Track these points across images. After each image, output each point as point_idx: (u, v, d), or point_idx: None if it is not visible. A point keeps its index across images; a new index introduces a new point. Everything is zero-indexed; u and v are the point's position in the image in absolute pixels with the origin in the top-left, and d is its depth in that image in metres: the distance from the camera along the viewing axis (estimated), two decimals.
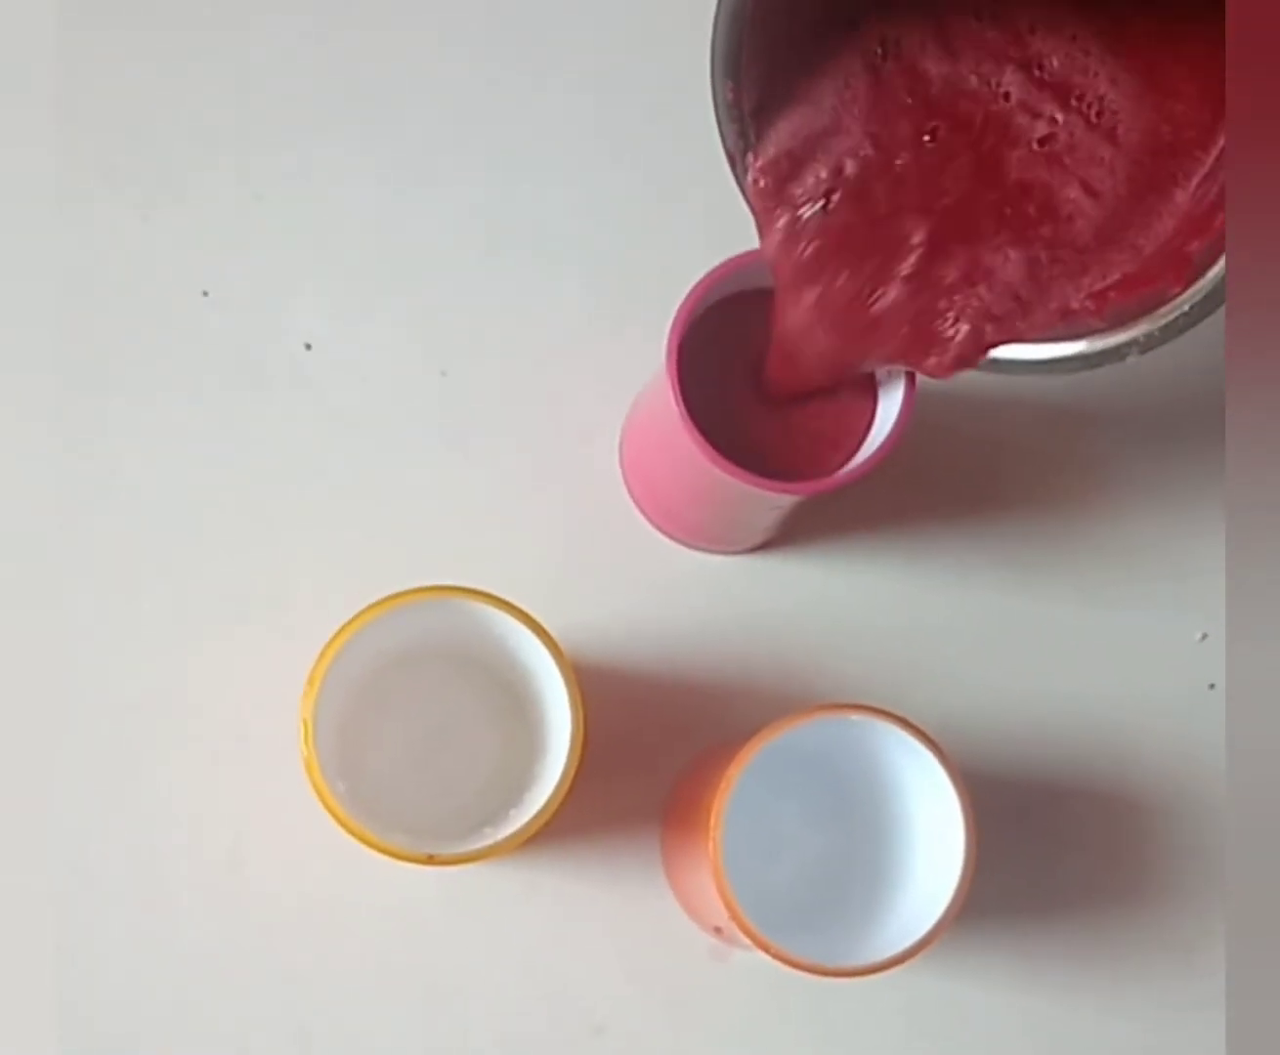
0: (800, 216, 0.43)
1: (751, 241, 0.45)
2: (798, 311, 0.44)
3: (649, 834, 0.54)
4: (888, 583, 0.55)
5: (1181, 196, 0.42)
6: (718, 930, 0.51)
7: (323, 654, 0.44)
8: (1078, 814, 0.55)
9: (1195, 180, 0.42)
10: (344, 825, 0.43)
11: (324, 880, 0.52)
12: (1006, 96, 0.43)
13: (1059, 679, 0.55)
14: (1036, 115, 0.43)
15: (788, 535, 0.55)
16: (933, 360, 0.43)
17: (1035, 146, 0.43)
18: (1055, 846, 0.54)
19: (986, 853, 0.46)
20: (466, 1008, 0.53)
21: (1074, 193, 0.43)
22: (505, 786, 0.49)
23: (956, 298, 0.43)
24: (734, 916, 0.45)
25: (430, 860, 0.43)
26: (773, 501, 0.48)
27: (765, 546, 0.55)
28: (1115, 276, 0.42)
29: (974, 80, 0.43)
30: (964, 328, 0.43)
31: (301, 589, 0.53)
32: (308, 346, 0.55)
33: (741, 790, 0.45)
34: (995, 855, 0.49)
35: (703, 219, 0.55)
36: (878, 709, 0.46)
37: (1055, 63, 0.43)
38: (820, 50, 0.43)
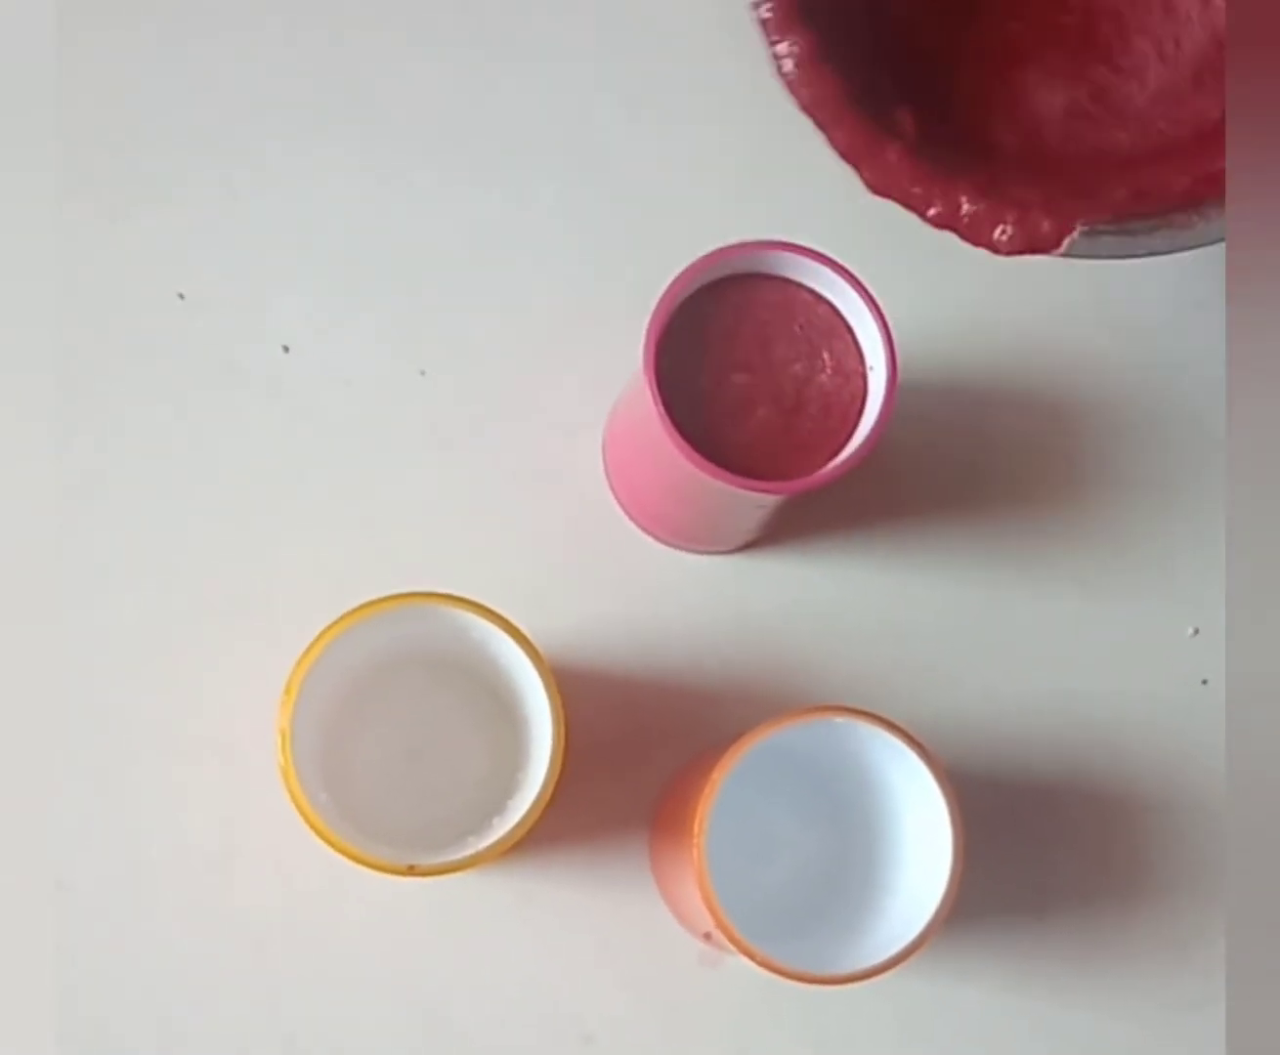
0: None
1: (726, 238, 0.45)
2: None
3: (638, 840, 0.53)
4: (875, 581, 0.55)
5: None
6: (707, 937, 0.51)
7: (299, 662, 0.44)
8: (1069, 812, 0.54)
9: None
10: (323, 837, 0.43)
11: (310, 890, 0.52)
12: None
13: (1049, 676, 0.55)
14: None
15: (773, 535, 0.54)
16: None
17: None
18: (1047, 846, 0.54)
19: (977, 854, 0.45)
20: (454, 1017, 0.52)
21: (1145, 46, 0.41)
22: (489, 794, 0.49)
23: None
24: (719, 923, 0.44)
25: (411, 871, 0.43)
26: (756, 501, 0.48)
27: (750, 546, 0.55)
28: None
29: None
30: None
31: (281, 594, 0.53)
32: (285, 349, 0.54)
33: (728, 794, 0.45)
34: (986, 856, 0.48)
35: (681, 218, 0.54)
36: (863, 711, 0.45)
37: None
38: None
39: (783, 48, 0.42)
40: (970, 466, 0.55)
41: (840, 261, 0.46)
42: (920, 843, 0.47)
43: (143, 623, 0.53)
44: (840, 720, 0.45)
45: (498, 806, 0.47)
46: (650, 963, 0.53)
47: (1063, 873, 0.54)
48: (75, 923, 0.51)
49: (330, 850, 0.42)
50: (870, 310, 0.45)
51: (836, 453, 0.46)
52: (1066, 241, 0.43)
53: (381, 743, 0.51)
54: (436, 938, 0.52)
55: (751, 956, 0.44)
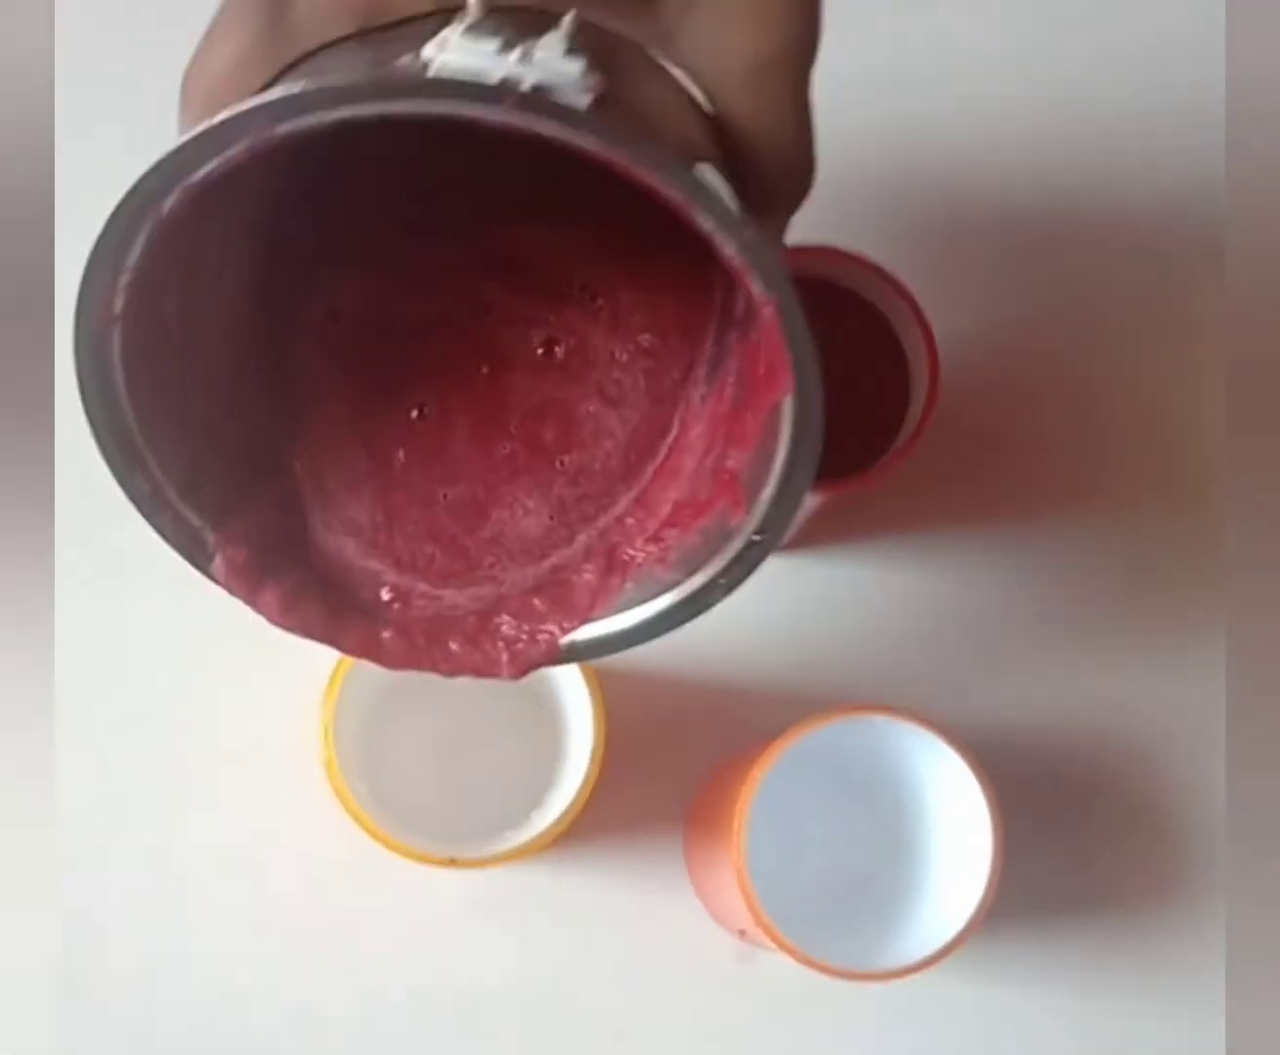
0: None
1: None
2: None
3: (672, 838, 0.54)
4: (914, 583, 0.55)
5: (698, 397, 0.34)
6: (742, 933, 0.51)
7: (342, 659, 0.44)
8: (1107, 813, 0.54)
9: (702, 384, 0.34)
10: (365, 828, 0.43)
11: (345, 885, 0.52)
12: (486, 310, 0.34)
13: (1089, 679, 0.54)
14: (529, 322, 0.34)
15: (812, 535, 0.54)
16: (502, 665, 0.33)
17: (539, 356, 0.34)
18: (1084, 846, 0.54)
19: (1014, 854, 0.45)
20: (487, 1011, 0.52)
21: (593, 405, 0.35)
22: (527, 790, 0.49)
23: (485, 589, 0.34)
24: (758, 919, 0.44)
25: (452, 863, 0.43)
26: None
27: (790, 548, 0.55)
28: (666, 510, 0.33)
29: (446, 312, 0.34)
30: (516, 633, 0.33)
31: None
32: None
33: (766, 791, 0.45)
34: (1023, 856, 0.48)
35: None
36: (902, 710, 0.45)
37: (533, 258, 0.34)
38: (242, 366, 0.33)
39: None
40: (1012, 470, 0.55)
41: (881, 265, 0.46)
42: (957, 842, 0.47)
43: (183, 621, 0.53)
44: (880, 719, 0.45)
45: (536, 801, 0.48)
46: (683, 959, 0.53)
47: (1101, 873, 0.54)
48: (110, 919, 0.52)
49: (373, 842, 0.43)
50: (912, 314, 0.46)
51: (879, 455, 0.46)
52: None
53: (418, 738, 0.51)
54: (470, 932, 0.52)
55: (790, 952, 0.44)
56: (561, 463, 0.35)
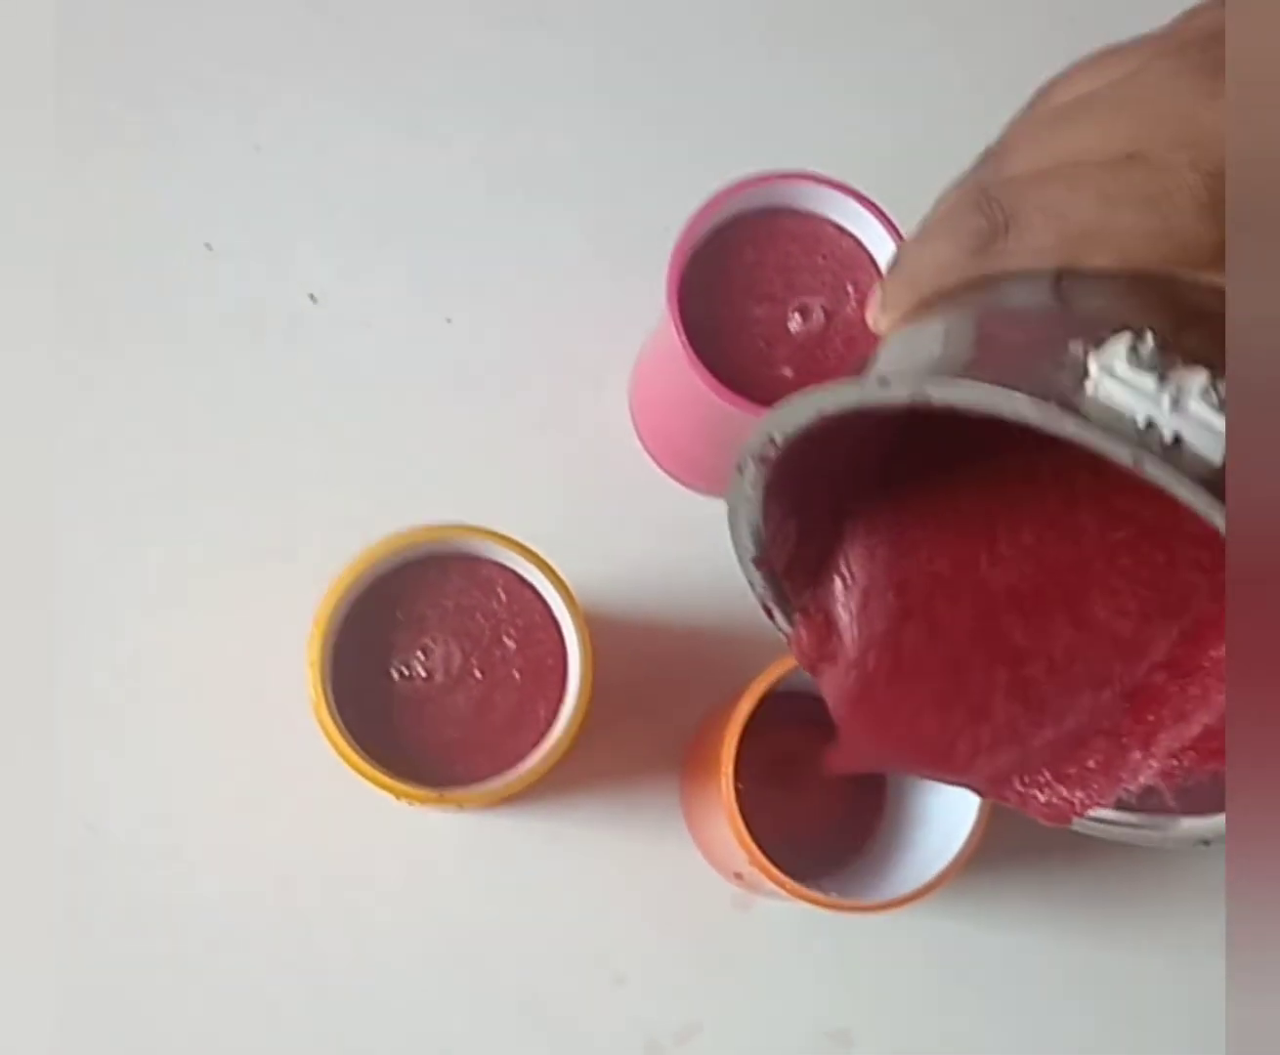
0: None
1: (747, 172, 0.44)
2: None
3: (669, 784, 0.53)
4: None
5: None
6: (738, 876, 0.51)
7: (328, 595, 0.44)
8: None
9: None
10: (354, 766, 0.43)
11: (340, 830, 0.52)
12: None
13: None
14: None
15: None
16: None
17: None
18: None
19: None
20: (486, 958, 0.52)
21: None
22: None
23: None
24: (750, 855, 0.44)
25: (441, 799, 0.43)
26: None
27: None
28: (1195, 731, 0.33)
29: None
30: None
31: (310, 539, 0.53)
32: (313, 297, 0.55)
33: (757, 730, 0.45)
34: None
35: (701, 156, 0.54)
36: None
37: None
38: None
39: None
40: None
41: (863, 192, 0.46)
42: None
43: (174, 566, 0.53)
44: None
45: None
46: (682, 905, 0.53)
47: None
48: (106, 863, 0.51)
49: (361, 779, 0.42)
50: (894, 241, 0.45)
51: None
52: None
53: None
54: (469, 879, 0.52)
55: (782, 886, 0.44)
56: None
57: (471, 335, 0.55)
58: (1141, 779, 0.32)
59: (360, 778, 0.43)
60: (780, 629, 0.36)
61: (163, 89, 0.56)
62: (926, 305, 0.30)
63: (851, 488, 0.35)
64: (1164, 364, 0.25)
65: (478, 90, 0.56)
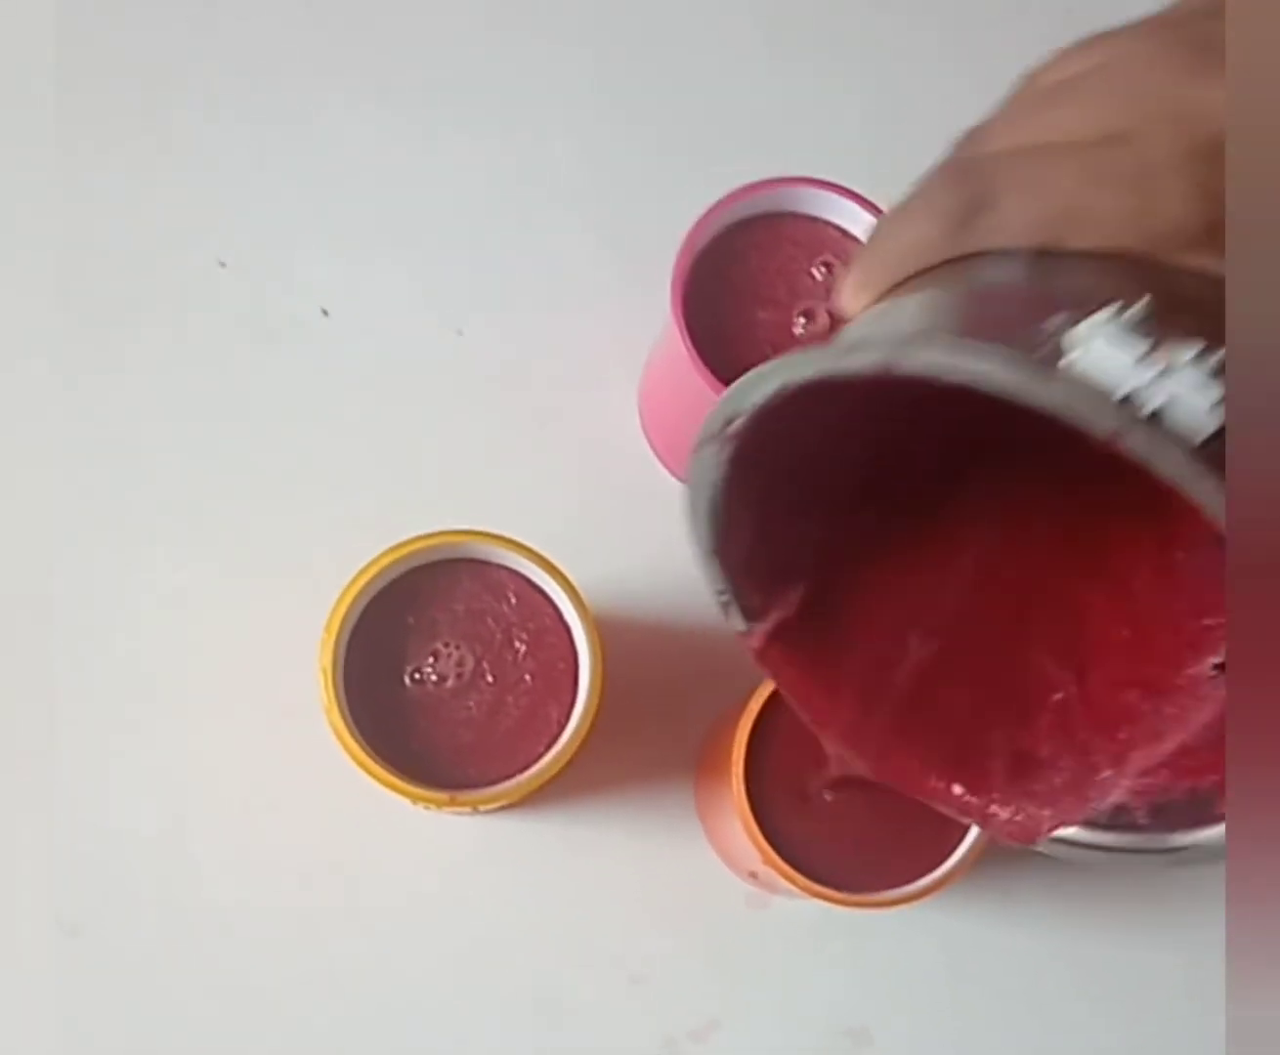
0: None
1: (752, 178, 0.45)
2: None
3: (684, 785, 0.54)
4: None
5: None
6: (753, 875, 0.51)
7: (339, 601, 0.44)
8: None
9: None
10: (368, 770, 0.43)
11: (355, 832, 0.52)
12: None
13: None
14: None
15: None
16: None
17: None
18: None
19: None
20: (503, 959, 0.53)
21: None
22: None
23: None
24: (764, 853, 0.45)
25: (452, 802, 0.43)
26: None
27: None
28: (1169, 748, 0.32)
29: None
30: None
31: (321, 546, 0.53)
32: (325, 312, 0.55)
33: (768, 728, 0.45)
34: None
35: (706, 162, 0.55)
36: None
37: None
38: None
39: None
40: None
41: (867, 196, 0.46)
42: None
43: (188, 574, 0.54)
44: None
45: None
46: (698, 905, 0.53)
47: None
48: (122, 868, 0.52)
49: (375, 784, 0.43)
50: None
51: None
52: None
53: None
54: (484, 881, 0.53)
55: (796, 883, 0.45)
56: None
57: (480, 342, 0.55)
58: (1112, 797, 0.32)
59: (374, 782, 0.43)
60: (735, 627, 0.35)
61: (163, 92, 0.56)
62: (903, 285, 0.29)
63: (828, 514, 0.34)
64: (1158, 332, 0.24)
65: (486, 100, 0.57)
